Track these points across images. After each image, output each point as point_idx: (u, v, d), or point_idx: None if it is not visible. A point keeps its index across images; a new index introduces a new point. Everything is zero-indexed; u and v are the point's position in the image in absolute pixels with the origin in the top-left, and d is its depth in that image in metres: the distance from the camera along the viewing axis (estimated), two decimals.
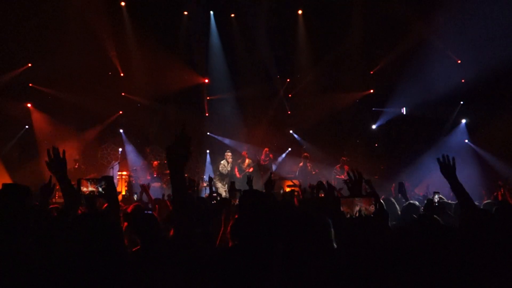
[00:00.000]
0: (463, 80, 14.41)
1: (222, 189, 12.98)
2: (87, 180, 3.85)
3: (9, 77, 13.66)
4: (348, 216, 4.22)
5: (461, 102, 15.22)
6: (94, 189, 3.84)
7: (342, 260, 2.57)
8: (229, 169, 13.57)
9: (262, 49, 15.09)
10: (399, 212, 5.55)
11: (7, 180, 12.51)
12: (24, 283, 2.19)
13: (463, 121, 15.39)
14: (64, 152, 3.31)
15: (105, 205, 4.62)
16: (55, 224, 3.09)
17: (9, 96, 13.57)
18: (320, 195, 5.80)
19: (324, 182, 14.13)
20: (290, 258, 2.30)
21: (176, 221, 2.48)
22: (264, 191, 5.71)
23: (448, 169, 3.69)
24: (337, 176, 14.01)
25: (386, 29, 14.32)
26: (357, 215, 3.96)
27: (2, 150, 13.54)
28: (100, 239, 2.06)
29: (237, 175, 13.69)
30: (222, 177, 13.58)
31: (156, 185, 12.66)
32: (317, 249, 2.35)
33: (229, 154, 13.75)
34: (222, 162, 13.72)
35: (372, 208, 4.06)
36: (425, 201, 5.67)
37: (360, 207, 4.08)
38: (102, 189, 3.74)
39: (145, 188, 7.06)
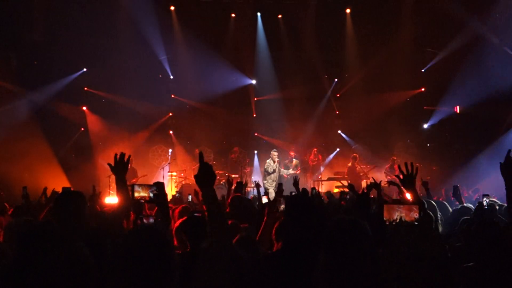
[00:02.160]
0: None
1: (271, 188, 12.93)
2: (140, 185, 3.97)
3: (66, 82, 14.27)
4: (388, 223, 4.12)
5: None
6: (145, 195, 3.96)
7: (385, 268, 2.53)
8: (275, 167, 13.40)
9: (309, 49, 14.98)
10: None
11: (65, 181, 13.04)
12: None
13: None
14: (129, 157, 3.57)
15: (156, 209, 4.75)
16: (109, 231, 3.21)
17: (66, 100, 14.19)
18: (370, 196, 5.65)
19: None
20: (331, 265, 2.27)
21: (212, 235, 2.54)
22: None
23: (509, 167, 3.48)
24: (388, 177, 13.74)
25: (437, 25, 13.95)
26: (397, 221, 3.86)
27: (60, 152, 14.08)
28: (152, 256, 2.13)
29: (284, 175, 13.65)
30: (269, 175, 13.50)
31: None
32: (359, 257, 2.30)
33: (275, 153, 13.59)
34: (267, 161, 13.66)
35: (414, 215, 3.94)
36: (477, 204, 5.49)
37: (400, 213, 3.96)
38: (154, 194, 3.84)
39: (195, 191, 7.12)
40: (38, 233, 2.58)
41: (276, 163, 13.44)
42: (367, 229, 2.39)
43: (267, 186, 13.08)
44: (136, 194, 4.05)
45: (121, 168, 3.47)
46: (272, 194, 11.56)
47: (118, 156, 3.47)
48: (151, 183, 4.11)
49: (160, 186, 3.86)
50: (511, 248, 2.81)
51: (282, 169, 13.80)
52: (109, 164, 3.48)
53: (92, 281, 2.27)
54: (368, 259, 2.27)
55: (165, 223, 3.75)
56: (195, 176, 2.51)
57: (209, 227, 2.53)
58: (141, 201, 4.23)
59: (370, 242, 2.32)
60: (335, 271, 2.20)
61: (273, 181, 13.26)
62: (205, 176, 2.49)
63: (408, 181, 3.88)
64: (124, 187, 3.50)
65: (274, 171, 13.36)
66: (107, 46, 13.61)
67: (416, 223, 3.88)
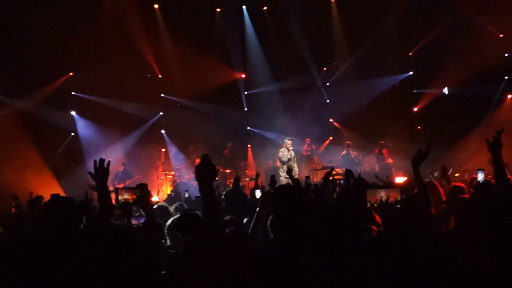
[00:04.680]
0: (506, 55, 13.99)
1: (284, 176, 12.83)
2: (123, 189, 3.98)
3: (53, 87, 14.03)
4: (369, 205, 4.24)
5: (506, 78, 14.77)
6: (129, 197, 3.96)
7: (374, 253, 2.55)
8: (289, 156, 13.04)
9: (297, 40, 14.96)
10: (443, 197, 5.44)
11: (57, 187, 12.86)
12: None
13: (509, 96, 14.95)
14: (109, 162, 3.55)
15: None
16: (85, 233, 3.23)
17: (54, 106, 14.00)
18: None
19: (368, 169, 13.99)
20: (319, 254, 2.30)
21: (208, 229, 2.57)
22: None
23: (497, 145, 3.63)
24: (377, 161, 13.92)
25: (422, 8, 14.01)
26: (378, 202, 3.95)
27: (51, 158, 13.89)
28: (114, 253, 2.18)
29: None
30: (284, 164, 13.15)
31: None
32: (346, 243, 2.32)
33: (289, 141, 13.19)
34: (281, 150, 13.29)
35: (393, 196, 4.06)
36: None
37: (382, 196, 4.08)
38: (137, 196, 3.86)
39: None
40: (27, 245, 2.57)
41: (290, 151, 13.10)
42: (355, 216, 2.43)
43: (283, 175, 12.84)
44: (120, 197, 4.08)
45: (101, 175, 3.48)
46: (283, 183, 11.55)
47: (97, 163, 3.47)
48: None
49: (143, 188, 3.88)
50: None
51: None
52: (90, 173, 3.51)
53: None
54: (355, 243, 2.30)
55: (150, 223, 3.77)
56: (196, 172, 2.50)
57: (206, 223, 2.56)
58: (130, 202, 4.25)
59: (355, 227, 2.32)
60: (322, 258, 2.23)
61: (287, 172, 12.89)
62: (207, 173, 2.48)
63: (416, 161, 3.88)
64: (104, 194, 3.54)
65: (289, 160, 12.99)
66: (92, 49, 13.34)
67: (398, 205, 3.94)
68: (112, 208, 3.74)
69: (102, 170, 3.48)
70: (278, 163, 13.47)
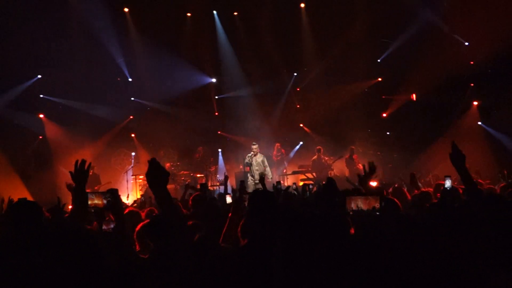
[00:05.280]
0: (471, 62, 14.27)
1: (250, 180, 12.78)
2: (93, 193, 3.96)
3: (21, 89, 13.87)
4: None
5: (471, 85, 15.06)
6: (99, 202, 3.95)
7: (344, 257, 2.60)
8: (247, 160, 12.83)
9: (267, 45, 15.04)
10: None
11: (23, 191, 12.68)
12: None
13: (475, 103, 15.23)
14: (89, 165, 3.56)
15: None
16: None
17: (21, 108, 13.81)
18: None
19: (338, 174, 14.08)
20: (288, 258, 2.32)
21: (169, 236, 2.59)
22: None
23: (458, 157, 3.65)
24: (349, 167, 14.02)
25: (390, 16, 14.19)
26: (354, 209, 4.00)
27: (18, 161, 13.70)
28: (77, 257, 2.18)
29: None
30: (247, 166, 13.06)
31: (169, 187, 12.66)
32: (317, 247, 2.35)
33: (254, 146, 12.87)
34: (248, 154, 13.06)
35: (375, 205, 4.10)
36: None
37: (357, 203, 4.13)
38: (107, 202, 3.84)
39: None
40: None
41: (255, 156, 12.79)
42: (329, 220, 2.44)
43: (250, 179, 12.76)
44: (89, 202, 4.05)
45: (81, 176, 3.51)
46: (250, 188, 11.54)
47: (79, 164, 3.49)
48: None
49: (113, 193, 3.86)
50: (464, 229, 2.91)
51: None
52: (71, 172, 3.51)
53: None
54: (324, 247, 2.32)
55: (119, 230, 3.75)
56: (147, 178, 2.49)
57: (166, 229, 2.56)
58: (102, 207, 4.22)
59: (330, 233, 2.37)
60: (290, 262, 2.24)
61: (252, 176, 12.77)
62: (155, 176, 2.46)
63: (364, 180, 4.01)
64: (82, 196, 3.59)
65: (247, 164, 12.90)
66: (61, 51, 13.26)
67: (377, 213, 4.02)
68: (86, 212, 3.77)
69: (82, 172, 3.50)
70: (248, 168, 13.41)
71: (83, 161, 3.51)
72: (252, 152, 12.85)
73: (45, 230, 3.83)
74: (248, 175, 12.94)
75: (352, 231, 3.52)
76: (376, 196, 4.28)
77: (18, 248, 2.78)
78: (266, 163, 12.93)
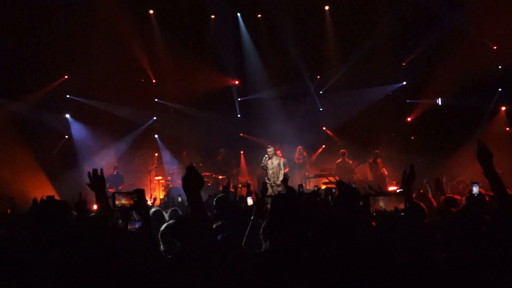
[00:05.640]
0: (500, 67, 13.94)
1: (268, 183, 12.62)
2: (120, 193, 4.00)
3: (48, 90, 14.16)
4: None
5: (499, 90, 14.71)
6: (126, 202, 3.99)
7: (372, 261, 2.56)
8: (265, 164, 12.71)
9: (290, 48, 15.01)
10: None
11: (50, 189, 12.93)
12: None
13: (503, 108, 14.88)
14: (102, 170, 3.70)
15: None
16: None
17: (48, 109, 14.07)
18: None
19: (361, 178, 13.92)
20: (316, 262, 2.29)
21: (198, 236, 2.65)
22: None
23: (485, 156, 3.50)
24: (373, 172, 13.86)
25: (417, 19, 14.01)
26: (377, 210, 3.96)
27: (45, 160, 13.98)
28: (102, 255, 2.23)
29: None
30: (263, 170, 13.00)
31: None
32: (344, 252, 2.31)
33: (269, 149, 12.76)
34: (264, 157, 12.91)
35: (399, 206, 4.04)
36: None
37: (381, 205, 4.08)
38: (134, 201, 3.88)
39: None
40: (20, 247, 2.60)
41: (270, 159, 12.67)
42: (352, 224, 2.41)
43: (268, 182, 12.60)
44: (117, 202, 4.08)
45: (98, 183, 3.64)
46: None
47: (91, 174, 3.63)
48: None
49: (140, 193, 3.88)
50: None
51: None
52: (88, 184, 3.67)
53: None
54: (351, 252, 2.28)
55: (145, 229, 3.77)
56: (183, 184, 2.56)
57: (195, 231, 2.60)
58: (128, 206, 4.28)
59: (352, 236, 2.34)
60: (318, 267, 2.22)
61: (268, 179, 12.61)
62: (193, 184, 2.54)
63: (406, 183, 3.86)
64: (103, 201, 3.69)
65: (262, 167, 12.83)
66: (87, 53, 13.48)
67: (402, 213, 3.97)
68: (110, 213, 3.84)
69: (98, 179, 3.65)
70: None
71: (95, 170, 3.64)
72: (266, 155, 12.71)
73: (74, 228, 3.90)
74: (265, 178, 12.89)
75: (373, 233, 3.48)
76: (401, 197, 4.22)
77: (47, 246, 2.81)
78: (282, 165, 12.76)
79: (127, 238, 3.24)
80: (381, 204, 4.33)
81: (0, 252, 2.51)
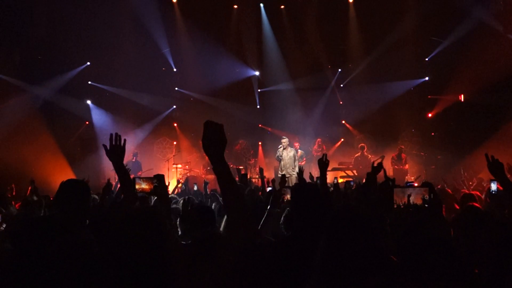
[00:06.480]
0: None
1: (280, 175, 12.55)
2: (140, 178, 4.02)
3: (70, 76, 14.34)
4: (395, 206, 4.20)
5: None
6: (146, 187, 4.00)
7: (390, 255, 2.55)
8: (278, 154, 12.47)
9: (312, 40, 14.91)
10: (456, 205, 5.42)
11: (70, 173, 13.16)
12: (83, 276, 2.32)
13: None
14: (125, 141, 3.24)
15: None
16: (109, 218, 3.16)
17: (70, 94, 14.28)
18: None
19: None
20: (331, 255, 2.28)
21: (227, 212, 2.34)
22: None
23: (496, 167, 3.54)
24: (395, 166, 13.73)
25: (441, 13, 13.77)
26: (405, 203, 3.95)
27: (65, 144, 14.19)
28: (149, 235, 2.17)
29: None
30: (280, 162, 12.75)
31: (210, 177, 12.83)
32: (362, 247, 2.30)
33: (284, 140, 12.50)
34: (278, 148, 12.71)
35: (423, 194, 4.04)
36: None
37: (409, 197, 4.07)
38: (154, 186, 3.89)
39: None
40: (32, 229, 2.63)
41: (285, 150, 12.43)
42: (370, 216, 2.39)
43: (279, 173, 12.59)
44: (137, 187, 4.12)
45: (117, 152, 3.18)
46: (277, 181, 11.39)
47: (113, 138, 3.17)
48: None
49: (160, 178, 3.87)
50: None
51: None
52: (104, 146, 3.20)
53: (95, 268, 2.33)
54: (369, 245, 2.26)
55: (165, 214, 3.78)
56: (203, 144, 2.18)
57: (227, 213, 2.39)
58: (148, 191, 4.30)
59: (371, 229, 2.31)
60: (334, 258, 2.20)
61: (280, 169, 12.44)
62: (214, 142, 2.15)
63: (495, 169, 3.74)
64: (125, 175, 3.28)
65: (278, 158, 12.56)
66: (110, 40, 13.58)
67: (426, 205, 3.96)
68: (136, 198, 3.73)
69: (118, 148, 3.17)
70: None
71: (118, 135, 3.18)
72: (281, 145, 12.45)
73: (94, 209, 3.92)
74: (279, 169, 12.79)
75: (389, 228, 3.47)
76: (426, 187, 4.21)
77: (69, 226, 2.83)
78: (296, 157, 12.57)
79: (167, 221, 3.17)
80: (411, 198, 4.31)
81: (45, 233, 2.56)
